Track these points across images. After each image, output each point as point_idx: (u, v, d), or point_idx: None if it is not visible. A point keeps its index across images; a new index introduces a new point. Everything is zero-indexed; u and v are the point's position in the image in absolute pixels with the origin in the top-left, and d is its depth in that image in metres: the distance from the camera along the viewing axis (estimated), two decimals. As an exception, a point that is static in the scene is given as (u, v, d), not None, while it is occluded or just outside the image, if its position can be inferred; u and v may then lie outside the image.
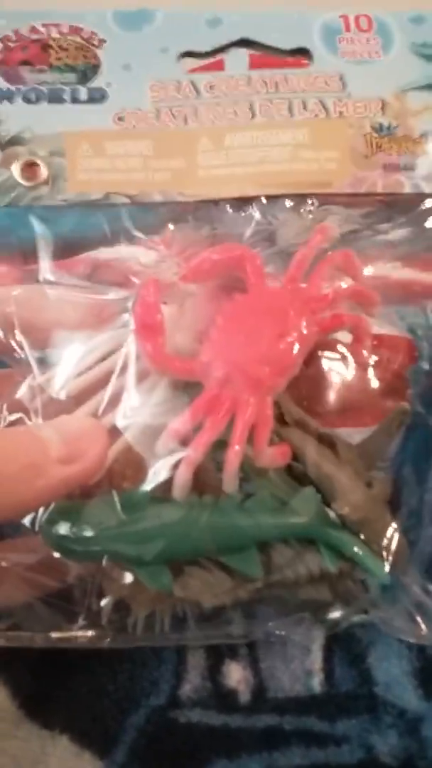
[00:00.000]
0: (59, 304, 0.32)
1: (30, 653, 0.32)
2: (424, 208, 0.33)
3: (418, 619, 0.31)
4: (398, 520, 0.31)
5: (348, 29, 0.35)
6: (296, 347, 0.29)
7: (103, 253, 0.33)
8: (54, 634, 0.29)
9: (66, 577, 0.29)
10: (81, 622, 0.29)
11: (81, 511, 0.28)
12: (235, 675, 0.34)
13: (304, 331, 0.30)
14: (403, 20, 0.35)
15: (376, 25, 0.35)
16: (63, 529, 0.28)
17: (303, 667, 0.34)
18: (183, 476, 0.28)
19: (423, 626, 0.31)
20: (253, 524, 0.29)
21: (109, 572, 0.29)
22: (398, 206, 0.33)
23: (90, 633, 0.30)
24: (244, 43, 0.35)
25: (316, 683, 0.34)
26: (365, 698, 0.34)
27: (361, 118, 0.34)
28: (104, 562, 0.29)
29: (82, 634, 0.30)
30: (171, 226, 0.32)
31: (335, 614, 0.31)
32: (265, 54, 0.35)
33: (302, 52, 0.35)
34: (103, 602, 0.30)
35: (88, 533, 0.28)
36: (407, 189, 0.33)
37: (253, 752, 0.33)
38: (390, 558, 0.30)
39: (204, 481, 0.29)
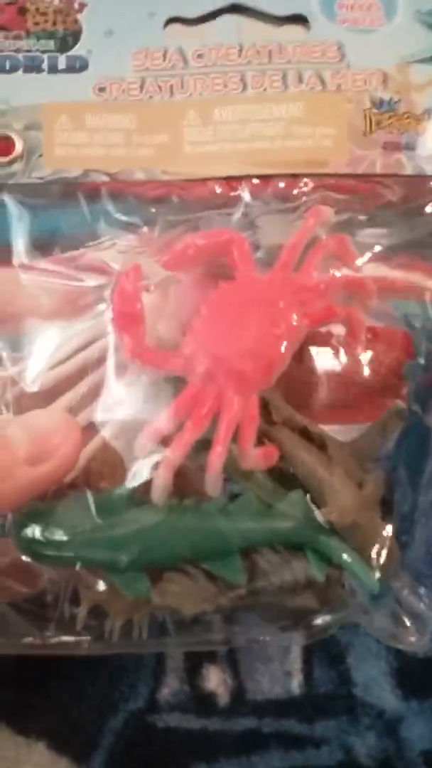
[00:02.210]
0: (33, 290, 0.30)
1: (6, 657, 0.31)
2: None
3: (409, 624, 0.30)
4: (390, 521, 0.29)
5: (348, -6, 0.32)
6: (285, 341, 0.28)
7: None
8: (26, 640, 0.28)
9: (37, 583, 0.28)
10: (54, 628, 0.28)
11: (53, 514, 0.27)
12: (214, 678, 0.34)
13: (294, 324, 0.28)
14: (408, -15, 0.33)
15: (379, -10, 0.32)
16: (34, 532, 0.27)
17: (282, 668, 0.34)
18: (162, 479, 0.26)
19: (414, 632, 0.30)
20: (236, 529, 0.28)
21: (84, 577, 0.28)
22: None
23: (64, 640, 0.28)
24: (236, 8, 0.32)
25: (295, 685, 0.34)
26: (344, 699, 0.33)
27: (360, 91, 0.32)
28: (78, 567, 0.27)
29: (56, 641, 0.28)
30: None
31: (320, 621, 0.29)
32: (258, 20, 0.32)
33: (298, 19, 0.32)
34: (79, 609, 0.28)
35: (61, 538, 0.27)
36: (408, 170, 0.31)
37: (231, 756, 0.32)
38: (380, 563, 0.29)
39: (185, 482, 0.28)
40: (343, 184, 0.31)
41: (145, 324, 0.28)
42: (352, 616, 0.30)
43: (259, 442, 0.28)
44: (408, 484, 0.31)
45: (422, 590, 0.30)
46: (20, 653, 0.28)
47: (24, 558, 0.27)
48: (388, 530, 0.29)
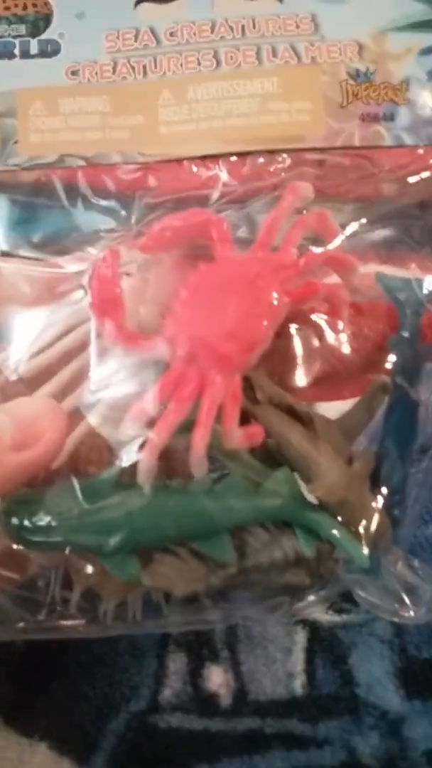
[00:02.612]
0: (13, 278, 0.30)
1: (8, 658, 0.31)
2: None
3: (404, 598, 0.30)
4: (380, 496, 0.29)
5: (322, -38, 0.32)
6: (265, 320, 0.27)
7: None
8: (19, 625, 0.28)
9: (28, 569, 0.28)
10: (47, 612, 0.28)
11: (41, 500, 0.27)
12: (216, 678, 0.34)
13: (275, 303, 0.28)
14: None
15: None
16: (22, 519, 0.27)
17: (285, 669, 0.34)
18: (147, 462, 0.26)
19: (409, 605, 0.30)
20: (223, 509, 0.28)
21: (75, 561, 0.28)
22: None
23: (58, 623, 0.28)
24: (208, -17, 0.32)
25: (298, 685, 0.34)
26: (347, 699, 0.33)
27: (336, 63, 0.31)
28: (68, 551, 0.27)
29: (50, 624, 0.28)
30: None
31: (314, 596, 0.30)
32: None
33: (271, -9, 0.32)
34: (72, 593, 0.28)
35: (49, 524, 0.27)
36: (387, 141, 0.31)
37: (233, 756, 0.32)
38: (371, 538, 0.29)
39: (172, 464, 0.28)
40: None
41: (125, 308, 0.28)
42: (345, 589, 0.30)
43: (244, 421, 0.28)
44: (397, 458, 0.30)
45: (416, 562, 0.30)
46: (14, 638, 0.28)
47: (14, 545, 0.27)
48: (378, 504, 0.29)
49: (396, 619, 0.30)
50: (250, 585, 0.29)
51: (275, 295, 0.28)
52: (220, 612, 0.30)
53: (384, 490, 0.30)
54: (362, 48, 0.31)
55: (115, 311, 0.27)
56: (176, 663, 0.33)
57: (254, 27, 0.32)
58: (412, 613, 0.30)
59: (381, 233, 0.31)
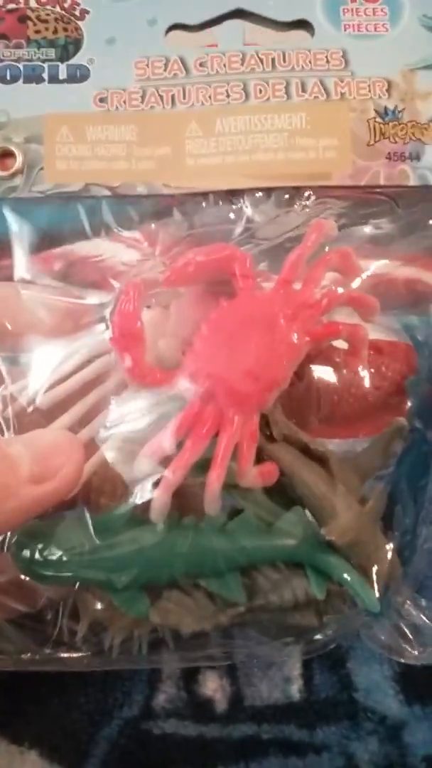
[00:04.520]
0: (34, 306, 0.30)
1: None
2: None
3: (411, 638, 0.30)
4: (392, 536, 0.30)
5: (354, -1, 0.32)
6: (285, 359, 0.27)
7: (81, 249, 0.31)
8: (24, 656, 0.28)
9: (36, 601, 0.28)
10: (53, 645, 0.28)
11: (52, 533, 0.27)
12: (212, 684, 0.33)
13: (295, 342, 0.28)
14: (415, -12, 0.32)
15: (385, -7, 0.32)
16: (33, 551, 0.27)
17: (282, 673, 0.33)
18: (160, 500, 0.26)
19: (416, 645, 0.30)
20: (235, 548, 0.28)
21: (83, 594, 0.28)
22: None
23: (63, 656, 0.29)
24: (239, 14, 0.32)
25: (295, 690, 0.33)
26: (345, 704, 0.33)
27: (365, 100, 0.31)
28: (77, 586, 0.28)
29: (55, 656, 0.29)
30: (153, 224, 0.30)
31: (321, 636, 0.30)
32: (261, 26, 0.32)
33: (302, 25, 0.32)
34: (78, 626, 0.28)
35: (59, 558, 0.27)
36: (413, 181, 0.31)
37: (229, 763, 0.32)
38: (381, 580, 0.29)
39: (185, 500, 0.28)
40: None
41: (144, 343, 0.28)
42: (353, 628, 0.30)
43: (259, 459, 0.28)
44: (410, 500, 0.31)
45: (423, 602, 0.30)
46: (19, 669, 0.29)
47: (23, 577, 0.27)
48: (390, 545, 0.29)
49: (402, 660, 0.31)
50: (258, 624, 0.29)
51: (296, 334, 0.28)
52: (225, 648, 0.30)
53: (396, 531, 0.30)
54: (391, 85, 0.31)
55: (134, 346, 0.28)
56: (170, 668, 0.33)
57: (284, 60, 0.31)
58: (417, 653, 0.30)
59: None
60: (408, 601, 0.30)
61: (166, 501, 0.26)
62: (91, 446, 0.28)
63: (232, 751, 0.32)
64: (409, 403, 0.30)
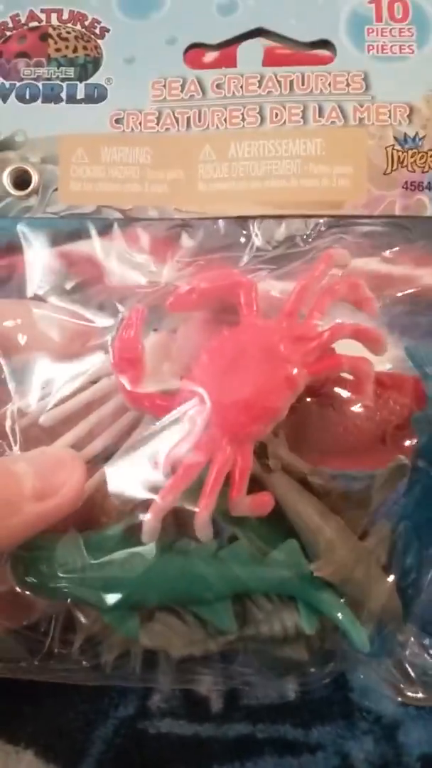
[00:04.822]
0: (44, 325, 0.30)
1: None
2: None
3: (414, 677, 0.30)
4: (395, 574, 0.29)
5: (379, 18, 0.31)
6: (282, 392, 0.27)
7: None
8: (21, 665, 0.29)
9: (31, 614, 0.29)
10: (48, 656, 0.29)
11: (51, 549, 0.28)
12: (207, 683, 0.33)
13: (293, 374, 0.27)
14: (446, 6, 0.31)
15: (413, 12, 0.31)
16: (30, 564, 0.28)
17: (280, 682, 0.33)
18: (150, 524, 0.27)
19: (420, 685, 0.30)
20: (226, 576, 0.28)
21: (79, 609, 0.29)
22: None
23: (59, 667, 0.29)
24: (260, 33, 0.31)
25: (290, 689, 0.33)
26: (341, 704, 0.33)
27: (384, 126, 0.30)
28: (70, 603, 0.28)
29: (51, 667, 0.29)
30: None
31: (315, 670, 0.30)
32: (282, 47, 0.31)
33: (324, 45, 0.31)
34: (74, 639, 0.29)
35: (54, 573, 0.27)
36: (430, 211, 0.30)
37: (224, 762, 0.32)
38: (376, 618, 0.29)
39: (181, 523, 0.28)
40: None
41: (143, 368, 0.28)
42: (350, 666, 0.30)
43: (257, 489, 0.28)
44: (414, 538, 0.30)
45: (427, 641, 0.30)
46: (15, 677, 0.29)
47: (18, 589, 0.28)
48: (389, 583, 0.29)
49: (404, 700, 0.30)
50: (249, 654, 0.29)
51: (295, 366, 0.27)
52: (222, 674, 0.30)
53: (398, 569, 0.29)
54: (413, 111, 0.30)
55: (133, 371, 0.28)
56: None
57: (303, 83, 0.31)
58: (420, 694, 0.30)
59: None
60: (412, 641, 0.30)
61: (155, 525, 0.27)
62: (94, 464, 0.29)
63: (228, 751, 0.32)
64: (415, 439, 0.30)
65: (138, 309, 0.28)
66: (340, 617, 0.28)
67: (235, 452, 0.27)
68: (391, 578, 0.29)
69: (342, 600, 0.28)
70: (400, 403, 0.30)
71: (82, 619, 0.29)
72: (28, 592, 0.28)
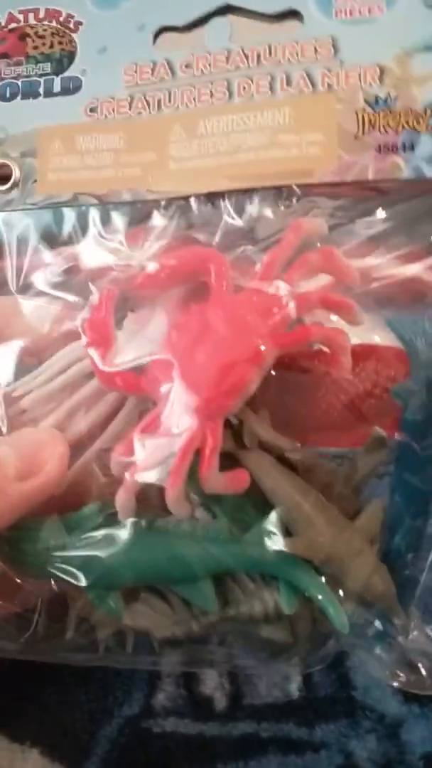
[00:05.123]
0: (27, 313, 0.31)
1: None
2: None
3: (419, 664, 0.28)
4: (390, 554, 0.28)
5: (348, -19, 0.30)
6: (249, 367, 0.27)
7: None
8: (15, 645, 0.30)
9: (24, 594, 0.29)
10: (43, 638, 0.29)
11: (32, 528, 0.28)
12: (211, 682, 0.33)
13: (261, 348, 0.27)
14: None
15: (382, -28, 0.30)
16: (16, 543, 0.28)
17: (281, 671, 0.33)
18: (122, 500, 0.27)
19: (423, 671, 0.28)
20: (203, 554, 0.27)
21: (69, 589, 0.29)
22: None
23: (54, 647, 0.30)
24: (228, 10, 0.31)
25: (294, 688, 0.33)
26: (344, 703, 0.33)
27: (353, 90, 0.29)
28: (54, 584, 0.29)
29: (46, 647, 0.30)
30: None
31: (310, 655, 0.29)
32: (249, 20, 0.31)
33: (292, 15, 0.31)
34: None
35: (36, 550, 0.28)
36: (406, 174, 0.29)
37: (229, 761, 0.32)
38: (367, 599, 0.27)
39: (158, 501, 0.28)
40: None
41: (113, 348, 0.28)
42: (344, 648, 0.29)
43: (233, 466, 0.28)
44: (406, 515, 0.29)
45: (429, 630, 0.29)
46: (8, 656, 0.30)
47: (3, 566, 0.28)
48: (374, 558, 0.28)
49: (406, 688, 0.29)
50: (233, 635, 0.29)
51: (262, 340, 0.27)
52: (221, 653, 0.30)
53: (390, 547, 0.28)
54: (384, 72, 0.29)
55: (102, 349, 0.28)
56: None
57: (270, 54, 0.30)
58: (427, 682, 0.28)
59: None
60: (415, 627, 0.28)
61: (127, 501, 0.27)
62: (78, 446, 0.29)
63: (232, 750, 0.32)
64: (401, 410, 0.28)
65: (108, 290, 0.29)
66: (320, 597, 0.27)
67: (204, 428, 0.27)
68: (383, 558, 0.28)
69: (322, 579, 0.27)
70: (384, 375, 0.29)
71: (74, 598, 0.29)
72: (11, 570, 0.29)
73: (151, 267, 0.28)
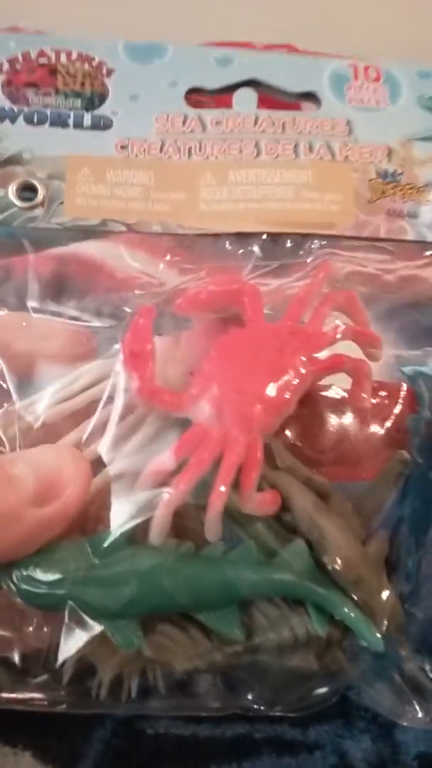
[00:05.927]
0: (41, 330, 0.30)
1: None
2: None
3: (413, 699, 0.29)
4: (394, 583, 0.29)
5: (356, 78, 0.35)
6: (291, 386, 0.28)
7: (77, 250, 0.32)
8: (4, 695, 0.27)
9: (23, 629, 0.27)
10: (34, 681, 0.27)
11: (51, 554, 0.26)
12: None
13: (301, 371, 0.28)
14: (411, 74, 0.35)
15: (385, 76, 0.35)
16: (26, 569, 0.26)
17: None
18: (161, 519, 0.26)
19: (417, 707, 0.29)
20: (234, 578, 0.27)
21: (73, 626, 0.27)
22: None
23: (44, 696, 0.27)
24: (253, 83, 0.35)
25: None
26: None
27: (367, 163, 0.34)
28: (67, 615, 0.26)
29: (37, 696, 0.27)
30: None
31: (318, 690, 0.29)
32: (272, 95, 0.35)
33: (310, 96, 0.35)
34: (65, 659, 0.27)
35: (54, 576, 0.26)
36: (410, 236, 0.33)
37: (222, 762, 0.31)
38: (385, 625, 0.28)
39: (185, 526, 0.27)
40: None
41: (154, 364, 0.28)
42: (351, 683, 0.29)
43: (261, 488, 0.28)
44: (412, 545, 0.30)
45: (426, 665, 0.30)
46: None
47: (12, 600, 0.26)
48: (393, 593, 0.29)
49: (402, 722, 0.30)
50: (254, 667, 0.28)
51: (301, 364, 0.29)
52: (219, 697, 0.29)
53: (399, 578, 0.29)
54: (391, 152, 0.34)
55: (144, 365, 0.28)
56: None
57: (294, 124, 0.34)
58: (420, 715, 0.29)
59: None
60: (409, 660, 0.29)
61: (166, 520, 0.26)
62: (96, 465, 0.28)
63: (225, 751, 0.31)
64: (411, 441, 0.31)
65: (148, 308, 0.29)
66: (352, 615, 0.27)
67: (247, 444, 0.27)
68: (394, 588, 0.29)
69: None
70: (394, 409, 0.32)
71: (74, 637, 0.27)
72: (22, 601, 0.26)
73: (192, 290, 0.30)
